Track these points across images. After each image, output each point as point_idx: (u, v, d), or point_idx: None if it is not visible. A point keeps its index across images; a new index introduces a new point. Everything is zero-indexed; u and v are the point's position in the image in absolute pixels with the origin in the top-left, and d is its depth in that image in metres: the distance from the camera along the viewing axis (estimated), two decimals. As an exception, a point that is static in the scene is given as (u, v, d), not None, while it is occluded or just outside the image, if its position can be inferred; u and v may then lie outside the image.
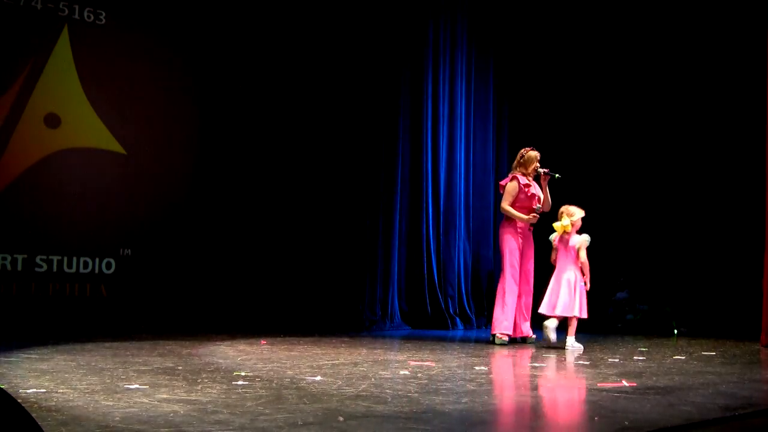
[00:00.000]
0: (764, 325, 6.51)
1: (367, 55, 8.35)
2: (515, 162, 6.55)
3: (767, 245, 6.41)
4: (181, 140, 7.66)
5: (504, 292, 6.27)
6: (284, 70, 8.08)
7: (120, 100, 7.30)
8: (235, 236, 7.79)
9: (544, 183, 6.48)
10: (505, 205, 6.37)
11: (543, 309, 6.02)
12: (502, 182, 6.54)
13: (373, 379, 3.67)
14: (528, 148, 6.55)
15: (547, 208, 6.50)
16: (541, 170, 6.43)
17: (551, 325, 5.86)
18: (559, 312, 5.87)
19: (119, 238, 7.22)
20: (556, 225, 6.11)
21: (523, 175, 6.42)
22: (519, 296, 6.35)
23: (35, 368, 3.82)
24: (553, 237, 6.14)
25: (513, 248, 6.31)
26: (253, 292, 7.70)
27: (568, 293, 5.90)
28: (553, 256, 6.16)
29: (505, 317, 6.22)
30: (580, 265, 6.00)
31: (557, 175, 6.40)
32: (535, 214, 6.34)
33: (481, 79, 9.43)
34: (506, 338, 6.19)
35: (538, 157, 6.48)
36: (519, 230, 6.36)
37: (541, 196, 6.45)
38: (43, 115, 6.90)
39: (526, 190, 6.35)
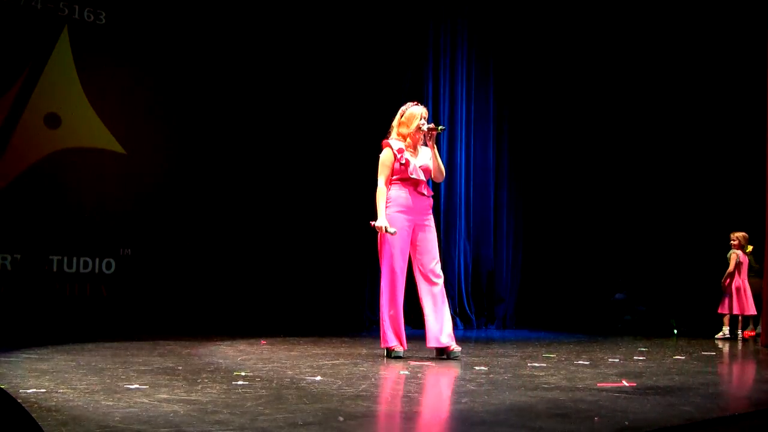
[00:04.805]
0: (764, 325, 6.52)
1: (368, 57, 8.36)
2: (394, 121, 4.96)
3: (767, 245, 6.42)
4: (181, 140, 7.66)
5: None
6: (287, 72, 8.08)
7: (120, 100, 7.31)
8: (235, 236, 7.79)
9: (432, 143, 4.90)
10: (380, 183, 4.83)
11: (738, 310, 7.43)
12: None
13: (373, 379, 3.66)
14: (411, 103, 4.99)
15: (440, 177, 4.98)
16: (425, 126, 4.84)
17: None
18: (752, 311, 7.41)
19: (119, 238, 7.22)
20: (749, 247, 7.65)
21: (402, 137, 4.89)
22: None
23: (35, 368, 3.82)
24: (739, 253, 7.53)
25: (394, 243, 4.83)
26: (253, 292, 7.70)
27: (750, 296, 7.48)
28: (731, 268, 7.48)
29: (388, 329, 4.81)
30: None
31: (441, 127, 4.90)
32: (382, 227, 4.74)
33: (482, 81, 9.44)
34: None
35: (424, 114, 4.89)
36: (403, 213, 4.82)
37: (429, 164, 4.89)
38: (43, 115, 6.90)
39: (399, 157, 4.78)
